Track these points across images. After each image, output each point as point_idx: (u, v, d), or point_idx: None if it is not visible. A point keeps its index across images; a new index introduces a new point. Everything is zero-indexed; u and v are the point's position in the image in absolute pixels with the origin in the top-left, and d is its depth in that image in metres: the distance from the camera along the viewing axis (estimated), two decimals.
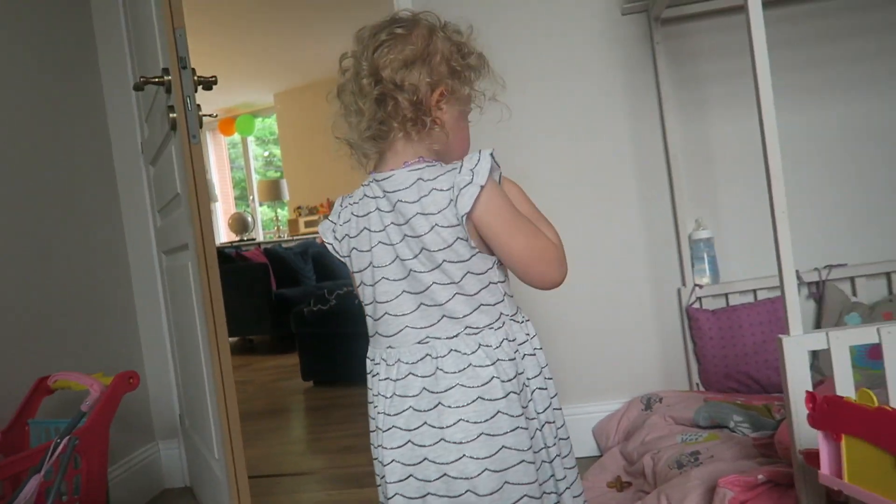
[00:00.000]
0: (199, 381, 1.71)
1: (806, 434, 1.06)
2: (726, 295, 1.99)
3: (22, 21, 1.83)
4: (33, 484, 1.15)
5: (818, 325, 1.95)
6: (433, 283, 0.88)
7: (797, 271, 1.83)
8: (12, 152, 1.74)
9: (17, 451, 1.58)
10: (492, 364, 0.87)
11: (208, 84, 1.51)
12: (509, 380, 0.88)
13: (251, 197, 8.28)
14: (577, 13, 2.01)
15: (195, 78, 1.43)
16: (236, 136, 8.18)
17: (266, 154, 8.80)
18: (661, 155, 2.01)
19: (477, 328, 0.89)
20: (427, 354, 0.89)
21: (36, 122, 1.84)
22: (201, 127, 1.45)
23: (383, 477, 0.90)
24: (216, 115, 7.53)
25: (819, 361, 1.80)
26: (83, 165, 2.03)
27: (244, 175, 8.46)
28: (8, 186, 1.71)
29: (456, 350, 0.88)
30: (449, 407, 0.86)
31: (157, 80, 1.46)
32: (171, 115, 1.43)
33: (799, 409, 1.09)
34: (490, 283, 0.91)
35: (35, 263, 1.78)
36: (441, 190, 0.87)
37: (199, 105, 1.43)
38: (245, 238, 7.04)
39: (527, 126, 2.01)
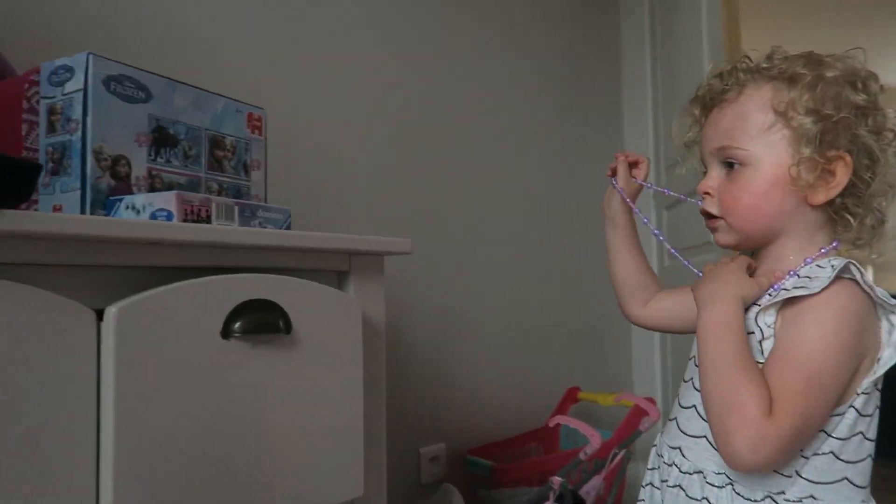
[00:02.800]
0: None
1: None
2: None
3: (567, 82, 2.22)
4: (595, 481, 1.38)
5: None
6: None
7: None
8: (555, 200, 2.12)
9: (549, 447, 1.91)
10: None
11: None
12: None
13: None
14: None
15: None
16: None
17: None
18: None
19: None
20: None
21: (571, 169, 2.20)
22: None
23: None
24: None
25: None
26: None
27: None
28: (546, 229, 2.08)
29: None
30: None
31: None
32: None
33: None
34: None
35: (566, 292, 2.13)
36: None
37: None
38: None
39: None
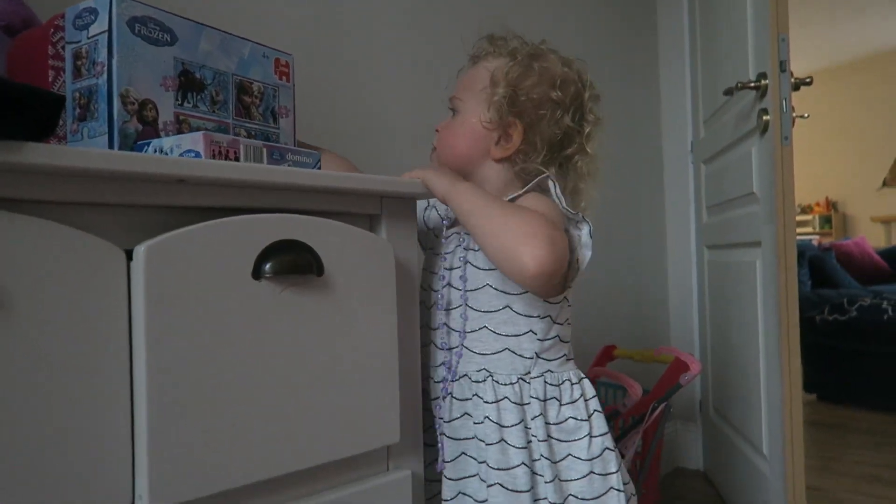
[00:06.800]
0: (747, 374, 1.76)
1: None
2: None
3: (604, 34, 2.14)
4: (634, 437, 1.36)
5: None
6: None
7: None
8: None
9: None
10: None
11: (797, 86, 1.53)
12: None
13: None
14: None
15: (792, 80, 1.46)
16: None
17: None
18: None
19: None
20: None
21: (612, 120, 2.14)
22: (792, 127, 1.47)
23: None
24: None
25: None
26: (640, 163, 2.28)
27: None
28: None
29: None
30: None
31: (752, 84, 1.54)
32: (764, 117, 1.49)
33: None
34: None
35: (600, 250, 2.08)
36: None
37: (792, 107, 1.46)
38: None
39: None
